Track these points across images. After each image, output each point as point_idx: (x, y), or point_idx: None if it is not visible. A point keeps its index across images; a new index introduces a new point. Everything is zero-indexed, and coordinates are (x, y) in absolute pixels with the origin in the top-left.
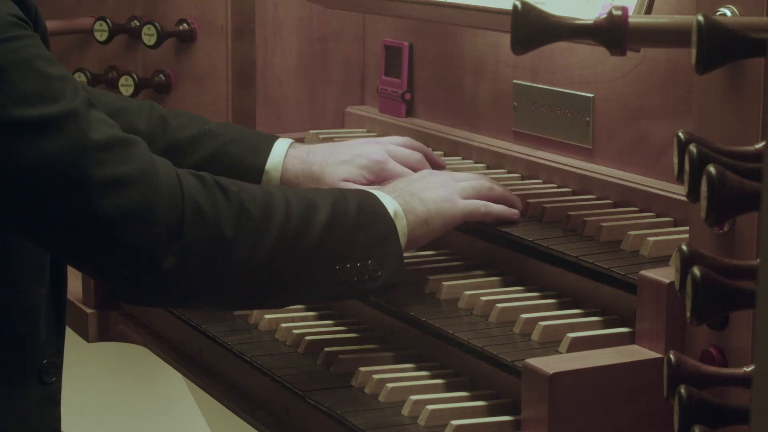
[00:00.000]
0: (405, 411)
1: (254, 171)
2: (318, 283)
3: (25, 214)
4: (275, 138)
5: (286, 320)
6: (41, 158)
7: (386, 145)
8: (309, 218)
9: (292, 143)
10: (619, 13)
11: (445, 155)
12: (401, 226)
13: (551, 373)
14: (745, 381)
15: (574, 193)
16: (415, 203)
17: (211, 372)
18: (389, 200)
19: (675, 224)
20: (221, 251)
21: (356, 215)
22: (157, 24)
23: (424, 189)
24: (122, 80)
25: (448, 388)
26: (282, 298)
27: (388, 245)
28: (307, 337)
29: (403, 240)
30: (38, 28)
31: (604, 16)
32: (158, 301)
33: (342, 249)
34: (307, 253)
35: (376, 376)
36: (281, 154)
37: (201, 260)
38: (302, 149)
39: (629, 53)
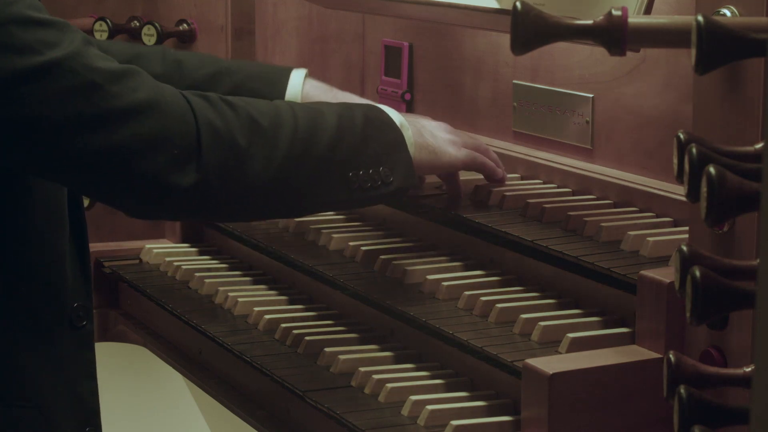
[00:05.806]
0: (405, 411)
1: None
2: (333, 190)
3: (50, 157)
4: (290, 69)
5: (286, 320)
6: (57, 100)
7: None
8: (317, 127)
9: (306, 72)
10: (618, 13)
11: None
12: (408, 136)
13: (551, 373)
14: (744, 381)
15: (574, 193)
16: (425, 133)
17: (211, 372)
18: (395, 113)
19: (675, 224)
20: (237, 162)
21: (363, 125)
22: (157, 24)
23: (433, 127)
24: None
25: (448, 388)
26: (300, 206)
27: (398, 153)
28: (307, 337)
29: (411, 149)
30: None
31: (604, 16)
32: (181, 216)
33: (353, 157)
34: (319, 161)
35: (376, 376)
36: (299, 83)
37: (220, 173)
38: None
39: (629, 53)
